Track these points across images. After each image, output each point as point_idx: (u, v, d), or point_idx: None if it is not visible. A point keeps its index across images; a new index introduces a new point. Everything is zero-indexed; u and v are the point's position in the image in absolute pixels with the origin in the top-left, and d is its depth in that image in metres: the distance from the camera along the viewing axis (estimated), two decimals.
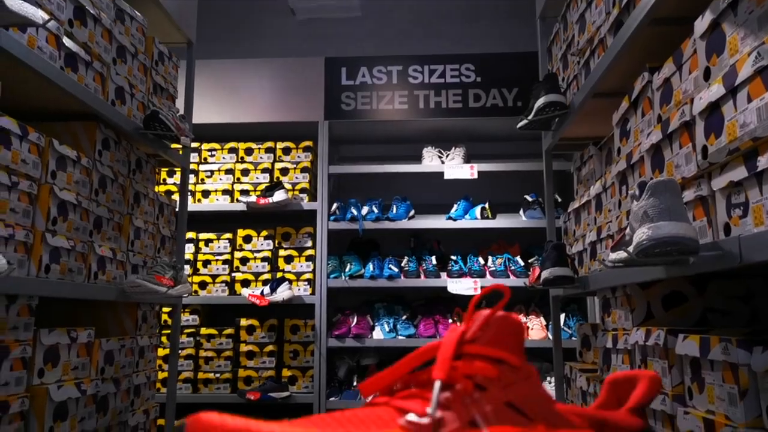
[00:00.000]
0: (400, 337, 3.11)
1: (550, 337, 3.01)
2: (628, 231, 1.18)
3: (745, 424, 1.04)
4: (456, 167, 3.24)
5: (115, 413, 1.95)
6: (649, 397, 0.40)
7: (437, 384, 0.34)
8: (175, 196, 2.65)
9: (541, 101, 1.98)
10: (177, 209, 2.53)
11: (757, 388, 1.03)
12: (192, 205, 3.22)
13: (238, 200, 3.25)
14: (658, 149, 1.37)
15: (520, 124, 2.11)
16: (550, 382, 2.96)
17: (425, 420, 0.33)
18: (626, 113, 1.60)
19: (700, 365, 1.20)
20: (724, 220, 1.10)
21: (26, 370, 1.53)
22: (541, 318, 3.15)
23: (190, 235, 3.22)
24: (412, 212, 3.33)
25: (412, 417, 0.33)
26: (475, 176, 3.23)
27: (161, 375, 2.86)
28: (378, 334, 3.14)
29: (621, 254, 1.20)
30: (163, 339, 2.95)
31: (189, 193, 3.25)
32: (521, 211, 3.30)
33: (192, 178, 3.31)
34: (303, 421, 0.33)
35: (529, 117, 2.04)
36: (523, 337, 0.39)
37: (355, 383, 3.13)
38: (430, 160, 3.39)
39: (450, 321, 3.19)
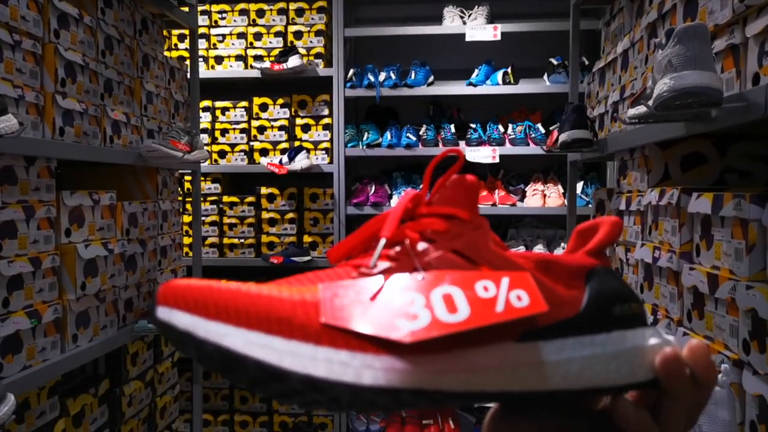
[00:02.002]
0: None
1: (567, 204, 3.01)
2: (649, 84, 1.12)
3: (749, 277, 1.05)
4: (478, 28, 3.06)
5: (144, 271, 2.06)
6: (608, 240, 0.40)
7: (382, 240, 0.36)
8: (189, 62, 2.58)
9: None
10: (189, 74, 2.48)
11: (765, 243, 1.02)
12: (206, 72, 3.15)
13: (251, 66, 3.16)
14: None
15: None
16: (563, 248, 3.02)
17: (371, 270, 0.35)
18: None
19: (710, 223, 1.20)
20: (754, 69, 1.03)
21: (53, 229, 1.60)
22: (559, 186, 3.13)
23: (206, 103, 3.19)
24: (431, 78, 3.21)
25: (362, 269, 0.36)
26: (498, 38, 3.06)
27: (187, 240, 2.98)
28: (396, 202, 3.18)
29: (640, 109, 1.14)
30: (188, 207, 3.03)
31: (202, 59, 3.17)
32: (545, 76, 3.17)
33: (204, 44, 3.21)
34: (266, 283, 0.35)
35: None
36: (478, 195, 0.39)
37: None
38: (451, 21, 3.20)
39: None
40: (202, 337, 0.31)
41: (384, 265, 0.36)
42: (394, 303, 0.33)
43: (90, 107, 1.76)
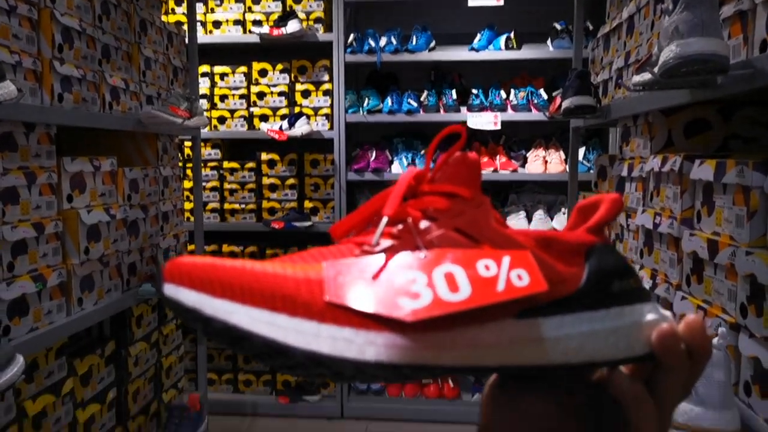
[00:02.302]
0: None
1: (568, 170, 3.01)
2: (655, 50, 1.10)
3: (748, 243, 1.06)
4: None
5: (146, 236, 2.07)
6: (609, 217, 0.41)
7: (384, 219, 0.37)
8: (186, 27, 2.54)
9: None
10: (186, 39, 2.45)
11: (766, 210, 1.03)
12: (204, 37, 3.10)
13: (250, 31, 3.12)
14: None
15: None
16: (564, 214, 3.03)
17: (374, 249, 0.36)
18: None
19: (712, 189, 1.20)
20: (762, 36, 1.02)
21: (55, 195, 1.60)
22: (561, 152, 3.12)
23: (205, 68, 3.15)
24: (432, 43, 3.17)
25: (365, 247, 0.36)
26: (501, 2, 3.00)
27: (188, 205, 2.98)
28: (396, 168, 3.17)
29: (645, 76, 1.13)
30: (188, 173, 3.03)
31: (199, 24, 3.12)
32: (548, 41, 3.12)
33: (201, 8, 3.15)
34: (269, 260, 0.36)
35: None
36: (479, 172, 0.40)
37: None
38: None
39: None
40: (209, 314, 0.32)
41: (386, 243, 0.36)
42: (396, 281, 0.34)
43: (88, 73, 1.74)
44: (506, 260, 0.35)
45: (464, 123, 3.08)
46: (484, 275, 0.34)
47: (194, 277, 0.32)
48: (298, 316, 0.32)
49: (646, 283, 1.46)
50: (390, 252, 0.36)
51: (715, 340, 0.97)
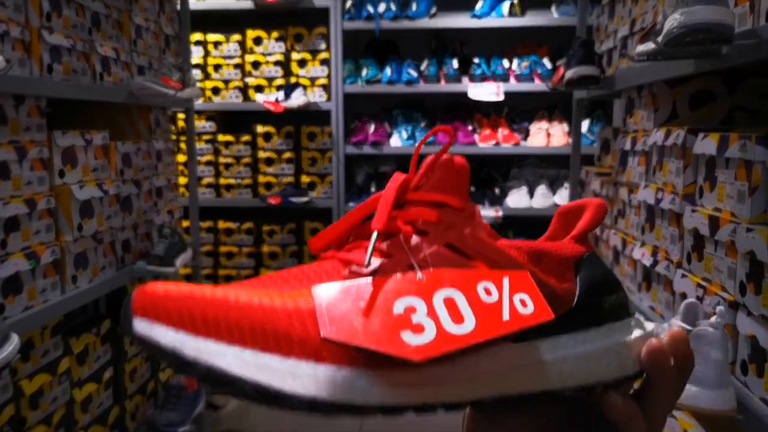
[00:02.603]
0: None
1: (571, 144, 2.96)
2: (659, 19, 1.06)
3: (749, 219, 1.03)
4: None
5: (140, 212, 2.05)
6: (593, 224, 0.40)
7: (374, 234, 0.34)
8: None
9: None
10: (179, 6, 2.38)
11: None
12: (196, 3, 3.03)
13: None
14: None
15: None
16: (566, 188, 2.99)
17: (364, 269, 0.33)
18: None
19: (715, 164, 1.17)
20: None
21: (47, 170, 1.57)
22: (564, 124, 3.07)
23: (198, 36, 3.09)
24: (433, 9, 3.09)
25: (353, 268, 0.33)
26: None
27: (183, 180, 2.96)
28: (396, 141, 3.13)
29: (649, 45, 1.09)
30: (182, 146, 2.99)
31: None
32: (553, 8, 3.04)
33: None
34: (249, 282, 0.33)
35: None
36: (468, 178, 0.37)
37: (373, 189, 3.21)
38: None
39: (470, 128, 3.14)
40: (191, 357, 0.28)
41: (376, 261, 0.34)
42: (395, 311, 0.31)
43: (78, 43, 1.69)
44: (506, 283, 0.34)
45: (465, 94, 3.03)
46: (486, 301, 0.32)
47: (171, 311, 0.28)
48: (293, 356, 0.29)
49: (647, 261, 1.44)
50: (382, 274, 0.33)
51: (713, 319, 0.95)
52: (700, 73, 1.27)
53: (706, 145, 1.17)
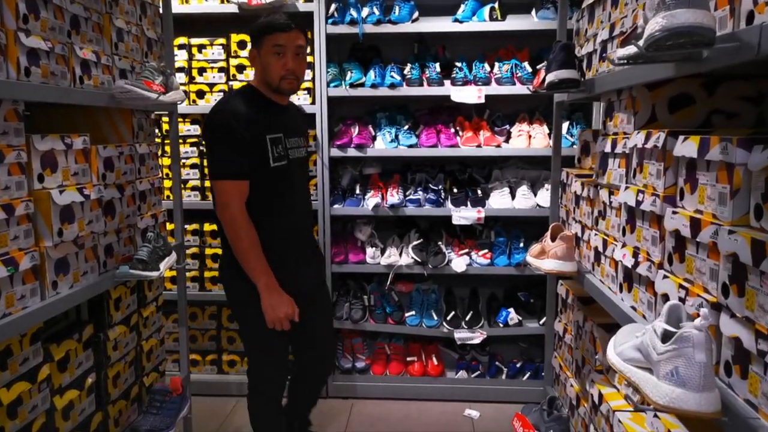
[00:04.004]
0: (401, 147, 3.11)
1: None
2: (640, 23, 1.07)
3: (731, 222, 1.05)
4: None
5: (123, 217, 2.03)
6: None
7: None
8: None
9: None
10: (161, 9, 2.36)
11: (750, 187, 1.01)
12: (180, 7, 3.00)
13: (228, 1, 3.02)
14: None
15: None
16: (547, 189, 3.01)
17: None
18: None
19: (695, 166, 1.19)
20: (749, 7, 0.99)
21: (25, 175, 1.55)
22: (545, 126, 3.09)
23: (182, 40, 3.06)
24: (416, 14, 3.10)
25: None
26: None
27: (168, 183, 2.92)
28: (380, 143, 3.13)
29: (630, 49, 1.11)
30: (167, 149, 2.96)
31: None
32: (533, 12, 3.07)
33: None
34: None
35: None
36: None
37: (357, 191, 3.21)
38: None
39: (452, 131, 3.15)
40: None
41: None
42: None
43: (56, 45, 1.67)
44: None
45: (448, 97, 3.04)
46: None
47: None
48: None
49: (629, 261, 1.46)
50: None
51: (697, 321, 0.97)
52: (680, 77, 1.29)
53: (687, 147, 1.19)
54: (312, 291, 2.20)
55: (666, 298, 1.26)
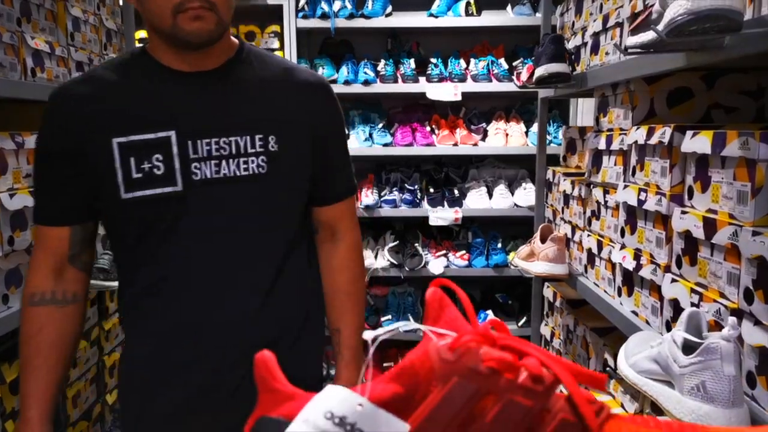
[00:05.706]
0: (376, 146, 3.00)
1: (529, 144, 2.94)
2: (656, 7, 1.00)
3: (753, 222, 0.98)
4: None
5: None
6: None
7: None
8: None
9: None
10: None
11: None
12: None
13: None
14: None
15: None
16: (525, 189, 2.96)
17: None
18: None
19: (707, 163, 1.12)
20: None
21: None
22: (522, 125, 3.04)
23: (143, 33, 2.88)
24: (389, 8, 3.00)
25: None
26: None
27: None
28: (353, 142, 3.02)
29: (646, 36, 1.03)
30: None
31: None
32: (509, 7, 3.01)
33: None
34: None
35: None
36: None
37: None
38: None
39: (427, 129, 3.07)
40: None
41: None
42: None
43: (4, 34, 1.51)
44: None
45: (424, 95, 2.95)
46: None
47: None
48: None
49: (630, 264, 1.39)
50: None
51: (725, 331, 0.89)
52: (679, 69, 1.22)
53: (698, 143, 1.12)
54: None
55: (675, 303, 1.19)
